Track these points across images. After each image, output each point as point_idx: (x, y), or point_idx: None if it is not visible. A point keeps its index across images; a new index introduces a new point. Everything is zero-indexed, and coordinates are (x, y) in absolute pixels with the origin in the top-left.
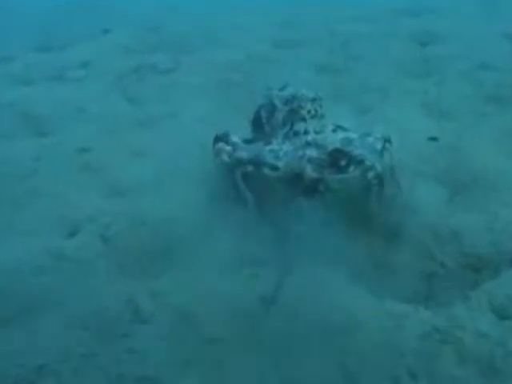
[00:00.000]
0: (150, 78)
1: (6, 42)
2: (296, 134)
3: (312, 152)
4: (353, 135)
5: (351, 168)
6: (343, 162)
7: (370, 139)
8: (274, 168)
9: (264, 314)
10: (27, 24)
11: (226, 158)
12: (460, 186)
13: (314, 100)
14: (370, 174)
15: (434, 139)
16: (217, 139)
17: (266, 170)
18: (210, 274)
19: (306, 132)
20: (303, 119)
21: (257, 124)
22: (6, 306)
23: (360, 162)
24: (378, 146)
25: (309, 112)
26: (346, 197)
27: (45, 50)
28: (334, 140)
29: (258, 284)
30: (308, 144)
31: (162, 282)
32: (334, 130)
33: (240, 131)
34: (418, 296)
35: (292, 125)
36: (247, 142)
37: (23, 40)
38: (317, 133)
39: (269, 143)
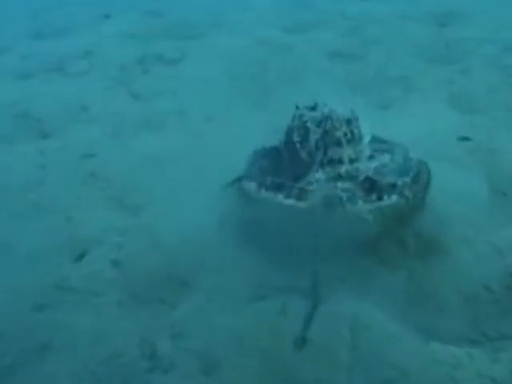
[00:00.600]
0: (155, 69)
1: (0, 30)
2: (330, 161)
3: (344, 184)
4: (386, 159)
5: (384, 197)
6: (374, 194)
7: (402, 159)
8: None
9: (296, 360)
10: (22, 8)
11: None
12: (499, 194)
13: (349, 121)
14: (402, 201)
15: (465, 139)
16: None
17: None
18: (232, 306)
19: (340, 161)
20: (339, 143)
21: (290, 149)
22: (5, 352)
23: (391, 191)
24: (411, 167)
25: (345, 135)
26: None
27: (42, 38)
28: (367, 169)
29: (287, 320)
30: (340, 176)
31: (180, 315)
32: (370, 157)
33: (254, 132)
34: (466, 332)
35: (326, 150)
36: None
37: (18, 27)
38: (352, 161)
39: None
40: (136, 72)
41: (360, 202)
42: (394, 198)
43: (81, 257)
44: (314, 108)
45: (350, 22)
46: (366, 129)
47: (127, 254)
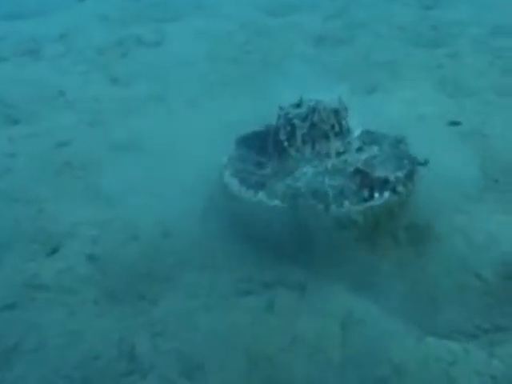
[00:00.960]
0: (134, 52)
1: None
2: (317, 155)
3: (332, 179)
4: (375, 150)
5: (376, 195)
6: (366, 192)
7: (393, 151)
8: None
9: (285, 359)
10: None
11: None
12: (490, 180)
13: (336, 112)
14: (394, 198)
15: (456, 123)
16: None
17: None
18: (217, 303)
19: (327, 155)
20: (326, 137)
21: (279, 149)
22: None
23: (383, 187)
24: (402, 158)
25: (332, 127)
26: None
27: (15, 19)
28: (356, 161)
29: (274, 317)
30: (327, 171)
31: (161, 313)
32: (359, 149)
33: (237, 118)
34: (461, 324)
35: (313, 144)
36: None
37: None
38: (339, 154)
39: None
40: (114, 55)
41: (347, 203)
42: (386, 195)
43: (53, 251)
44: (299, 105)
45: (335, 4)
46: (355, 119)
47: (104, 248)
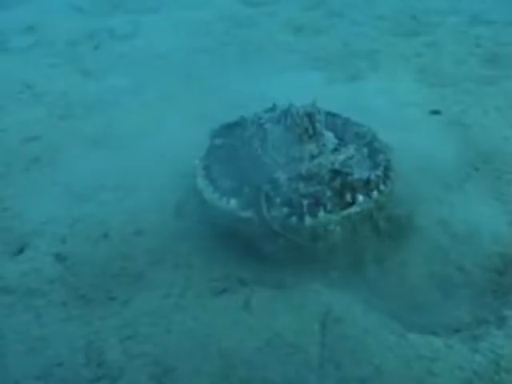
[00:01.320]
0: (107, 45)
1: None
2: (291, 160)
3: (308, 185)
4: (351, 150)
5: (358, 199)
6: (348, 194)
7: (368, 150)
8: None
9: (262, 360)
10: None
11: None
12: (471, 169)
13: (310, 115)
14: (375, 195)
15: (436, 112)
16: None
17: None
18: (192, 302)
19: (301, 159)
20: (299, 140)
21: (252, 157)
22: None
23: (364, 189)
24: (380, 157)
25: (306, 131)
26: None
27: None
28: (332, 163)
29: (252, 316)
30: (301, 176)
31: (133, 314)
32: (334, 150)
33: (214, 111)
34: (442, 319)
35: (287, 148)
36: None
37: None
38: (313, 157)
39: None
40: (86, 48)
41: (321, 214)
42: (367, 200)
43: (19, 252)
44: (272, 109)
45: None
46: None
47: (73, 247)
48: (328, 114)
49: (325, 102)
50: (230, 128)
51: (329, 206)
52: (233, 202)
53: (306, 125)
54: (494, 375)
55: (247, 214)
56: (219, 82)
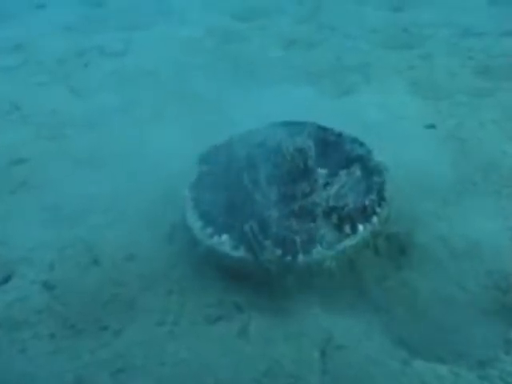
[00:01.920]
0: (96, 63)
1: None
2: (284, 197)
3: (300, 223)
4: (343, 178)
5: (358, 229)
6: (347, 226)
7: (361, 172)
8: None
9: None
10: None
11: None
12: (469, 184)
13: (301, 151)
14: (374, 220)
15: (431, 126)
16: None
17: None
18: (186, 330)
19: (293, 197)
20: (291, 178)
21: (242, 193)
22: None
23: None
24: (374, 179)
25: (297, 167)
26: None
27: None
28: (325, 199)
29: (249, 343)
30: (294, 214)
31: (125, 345)
32: (325, 185)
33: (205, 130)
34: (448, 343)
35: (278, 186)
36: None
37: None
38: (306, 195)
39: None
40: (75, 66)
41: (316, 250)
42: (367, 227)
43: (5, 281)
44: (262, 143)
45: (304, 8)
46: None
47: (62, 274)
48: (320, 128)
49: (317, 116)
50: (218, 152)
51: (326, 241)
52: (223, 241)
53: (297, 162)
54: None
55: (239, 253)
56: (211, 99)
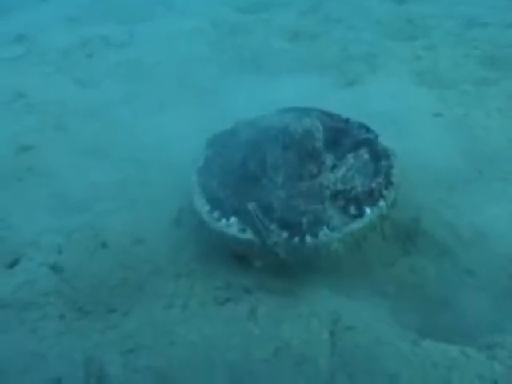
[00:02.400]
0: (100, 54)
1: None
2: (291, 179)
3: (307, 205)
4: (350, 161)
5: (366, 212)
6: (353, 207)
7: (369, 156)
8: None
9: (270, 370)
10: None
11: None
12: (476, 171)
13: (309, 132)
14: (381, 204)
15: (438, 115)
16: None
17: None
18: (195, 312)
19: (300, 178)
20: (299, 159)
21: (249, 176)
22: None
23: (370, 200)
24: (381, 163)
25: (305, 148)
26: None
27: None
28: (333, 182)
29: (257, 325)
30: (302, 196)
31: (134, 326)
32: (333, 167)
33: (210, 120)
34: (456, 326)
35: (286, 168)
36: None
37: None
38: (313, 176)
39: None
40: (79, 57)
41: (322, 233)
42: (374, 210)
43: (13, 264)
44: (269, 127)
45: (309, 0)
46: None
47: (70, 258)
48: (327, 114)
49: (324, 105)
50: (225, 136)
51: (333, 224)
52: (231, 223)
53: (304, 143)
54: None
55: (247, 236)
56: (216, 89)
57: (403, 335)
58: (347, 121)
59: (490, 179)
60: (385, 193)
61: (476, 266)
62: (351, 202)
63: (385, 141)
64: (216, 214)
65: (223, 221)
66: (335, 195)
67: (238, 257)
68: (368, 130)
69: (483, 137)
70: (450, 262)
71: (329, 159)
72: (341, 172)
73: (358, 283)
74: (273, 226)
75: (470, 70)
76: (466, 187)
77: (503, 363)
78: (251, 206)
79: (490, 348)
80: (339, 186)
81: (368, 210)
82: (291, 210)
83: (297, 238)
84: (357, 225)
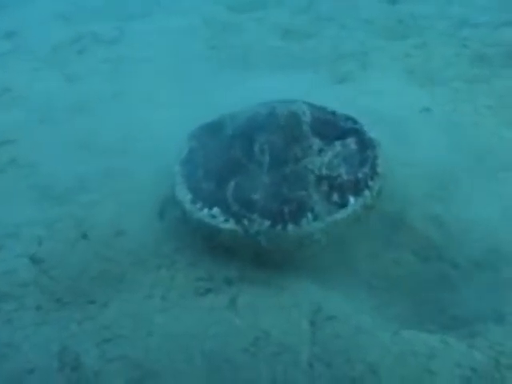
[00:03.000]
0: (90, 50)
1: None
2: (276, 164)
3: (291, 191)
4: (338, 147)
5: (351, 199)
6: (336, 195)
7: (355, 146)
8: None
9: (249, 360)
10: None
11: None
12: (465, 167)
13: (295, 115)
14: (366, 194)
15: (427, 110)
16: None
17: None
18: (175, 303)
19: (285, 162)
20: (285, 143)
21: (235, 165)
22: None
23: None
24: (367, 153)
25: (291, 131)
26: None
27: None
28: (318, 166)
29: (237, 315)
30: (286, 181)
31: (112, 317)
32: (320, 151)
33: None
34: (438, 317)
35: (271, 152)
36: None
37: None
38: (298, 160)
39: None
40: (68, 53)
41: (304, 221)
42: (357, 202)
43: None
44: (254, 115)
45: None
46: None
47: (50, 249)
48: (313, 106)
49: (313, 101)
50: (209, 127)
51: (316, 213)
52: (213, 213)
53: (291, 126)
54: (494, 372)
55: (229, 225)
56: (204, 85)
57: (384, 326)
58: (334, 113)
59: (479, 175)
60: (370, 183)
61: (461, 260)
62: (335, 189)
63: (373, 135)
64: (199, 203)
65: (205, 210)
66: (320, 181)
67: (221, 247)
68: (355, 122)
69: (473, 133)
70: (436, 255)
71: (315, 144)
72: (327, 157)
73: (341, 275)
74: (254, 215)
75: (462, 68)
76: (455, 182)
77: (483, 352)
78: (229, 193)
79: (471, 337)
80: (324, 172)
81: (352, 199)
82: (274, 198)
83: (279, 227)
84: (341, 215)
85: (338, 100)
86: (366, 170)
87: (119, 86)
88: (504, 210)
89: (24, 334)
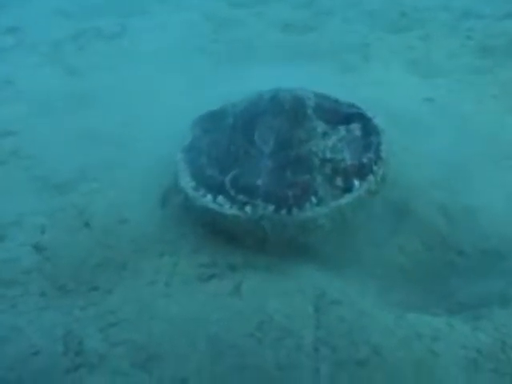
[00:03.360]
0: (92, 45)
1: None
2: (280, 148)
3: (295, 175)
4: (342, 132)
5: (356, 183)
6: (340, 179)
7: (359, 132)
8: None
9: (253, 345)
10: None
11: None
12: (468, 155)
13: (299, 99)
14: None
15: (430, 100)
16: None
17: None
18: (178, 289)
19: (289, 145)
20: (289, 126)
21: (238, 153)
22: None
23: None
24: (371, 139)
25: (296, 115)
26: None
27: None
28: (322, 149)
29: (241, 300)
30: (290, 165)
31: (115, 302)
32: (324, 135)
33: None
34: (443, 302)
35: (276, 136)
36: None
37: None
38: (302, 142)
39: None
40: (70, 48)
41: (308, 204)
42: (362, 187)
43: None
44: (257, 100)
45: None
46: None
47: (53, 238)
48: (317, 95)
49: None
50: (212, 116)
51: (320, 197)
52: (217, 199)
53: (295, 109)
54: (500, 354)
55: (233, 211)
56: (207, 77)
57: (388, 309)
58: (337, 100)
59: (484, 163)
60: (374, 168)
61: (466, 246)
62: (339, 173)
63: (377, 121)
64: (202, 190)
65: (209, 197)
66: (324, 165)
67: (225, 233)
68: (359, 108)
69: (478, 121)
70: (441, 243)
71: (320, 127)
72: (331, 141)
73: (346, 260)
74: (258, 200)
75: (465, 59)
76: (459, 170)
77: (488, 334)
78: (232, 178)
79: (476, 320)
80: (328, 155)
81: (357, 184)
82: (278, 182)
83: (283, 211)
84: (345, 200)
85: (340, 90)
86: (371, 154)
87: (121, 80)
88: (509, 198)
89: (28, 318)
